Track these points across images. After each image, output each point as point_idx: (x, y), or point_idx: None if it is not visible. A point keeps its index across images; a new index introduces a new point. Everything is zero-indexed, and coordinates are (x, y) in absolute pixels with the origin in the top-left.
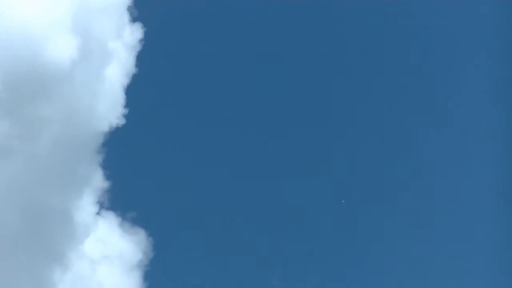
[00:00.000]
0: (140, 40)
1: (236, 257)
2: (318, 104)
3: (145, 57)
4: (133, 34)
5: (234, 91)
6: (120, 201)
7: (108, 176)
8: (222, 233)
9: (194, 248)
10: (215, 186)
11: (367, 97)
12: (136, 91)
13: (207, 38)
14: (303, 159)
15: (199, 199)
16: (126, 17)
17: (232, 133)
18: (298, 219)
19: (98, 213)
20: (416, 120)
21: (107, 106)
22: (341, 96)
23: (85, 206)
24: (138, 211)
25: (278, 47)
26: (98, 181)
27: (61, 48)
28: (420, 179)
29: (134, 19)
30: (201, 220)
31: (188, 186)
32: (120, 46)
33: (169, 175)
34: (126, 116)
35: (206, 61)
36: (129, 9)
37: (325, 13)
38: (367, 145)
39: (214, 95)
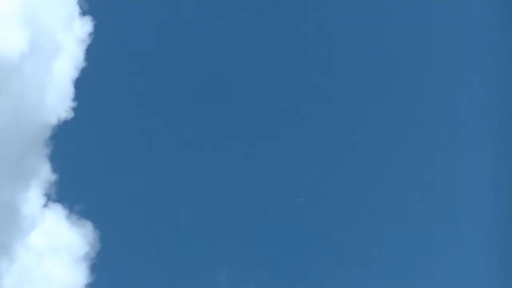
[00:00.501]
0: (90, 34)
1: (183, 251)
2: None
3: (94, 50)
4: (83, 27)
5: (182, 85)
6: (68, 194)
7: (55, 169)
8: (169, 228)
9: (141, 241)
10: (162, 180)
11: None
12: (85, 84)
13: (157, 32)
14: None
15: (147, 192)
16: (76, 10)
17: (180, 127)
18: (245, 218)
19: (45, 206)
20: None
21: (56, 99)
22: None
23: (32, 199)
24: (86, 204)
25: (230, 43)
26: (45, 173)
27: (11, 41)
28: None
29: (84, 13)
30: (149, 213)
31: (135, 180)
32: (69, 39)
33: (117, 168)
34: (74, 110)
35: (155, 55)
36: (79, 2)
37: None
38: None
39: (162, 89)
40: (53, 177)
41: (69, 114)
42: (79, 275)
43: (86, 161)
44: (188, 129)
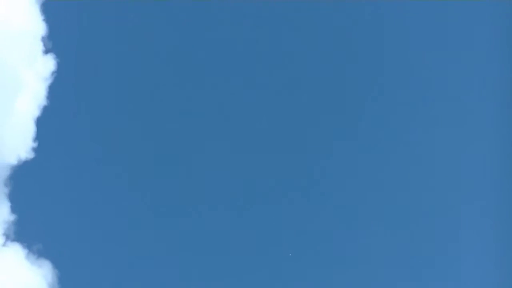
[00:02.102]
0: (53, 72)
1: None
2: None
3: (57, 89)
4: (45, 65)
5: (146, 127)
6: (26, 234)
7: (14, 209)
8: (129, 267)
9: (100, 281)
10: (119, 219)
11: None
12: (46, 123)
13: (119, 72)
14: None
15: (105, 232)
16: (39, 47)
17: (140, 167)
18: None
19: (4, 245)
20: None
21: (17, 138)
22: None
23: None
24: (44, 243)
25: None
26: (4, 213)
27: None
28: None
29: (47, 50)
30: (107, 254)
31: (93, 219)
32: (32, 76)
33: (75, 208)
34: (35, 150)
35: (117, 95)
36: (43, 39)
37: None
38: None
39: (124, 129)
40: (12, 217)
41: (30, 155)
42: None
43: (45, 201)
44: (147, 167)
